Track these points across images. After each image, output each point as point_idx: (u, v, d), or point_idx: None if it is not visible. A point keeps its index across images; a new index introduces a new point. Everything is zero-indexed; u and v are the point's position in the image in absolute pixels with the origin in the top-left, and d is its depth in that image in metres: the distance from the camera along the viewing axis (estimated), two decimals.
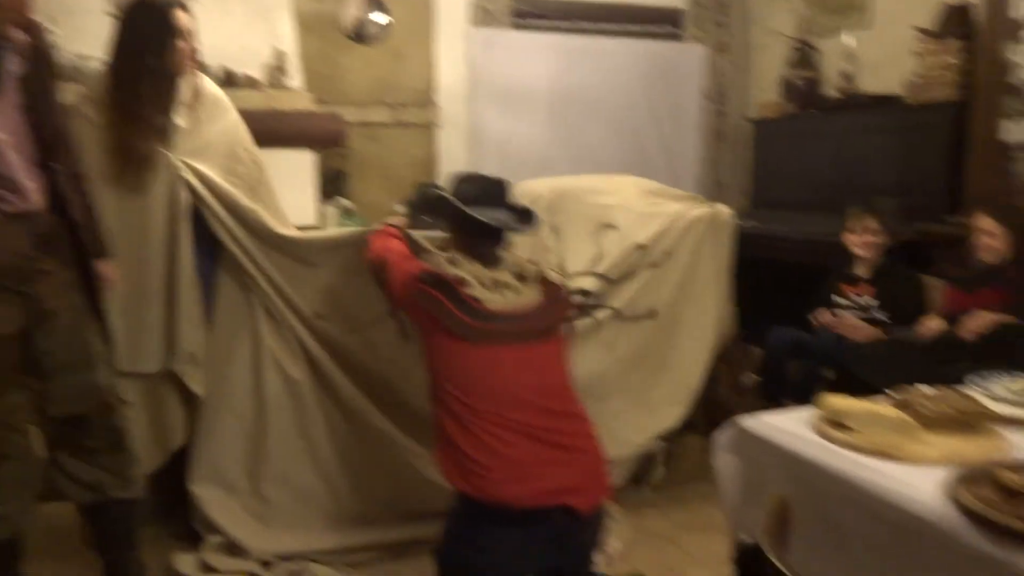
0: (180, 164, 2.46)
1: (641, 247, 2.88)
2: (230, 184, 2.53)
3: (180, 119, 2.49)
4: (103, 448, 2.15)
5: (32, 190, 1.97)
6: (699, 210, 3.05)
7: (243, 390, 2.58)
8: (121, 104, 2.38)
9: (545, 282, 2.07)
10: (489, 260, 2.03)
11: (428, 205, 2.17)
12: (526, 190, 3.05)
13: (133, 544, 2.29)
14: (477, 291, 1.95)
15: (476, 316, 1.92)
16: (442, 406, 1.96)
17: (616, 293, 2.86)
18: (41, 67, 2.02)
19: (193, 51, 2.48)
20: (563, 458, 1.91)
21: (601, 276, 2.83)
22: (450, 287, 1.95)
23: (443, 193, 2.07)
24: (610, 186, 3.15)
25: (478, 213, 2.01)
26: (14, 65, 1.94)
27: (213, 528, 2.52)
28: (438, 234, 2.25)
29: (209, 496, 2.54)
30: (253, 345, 2.58)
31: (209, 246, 2.55)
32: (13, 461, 2.00)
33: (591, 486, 1.94)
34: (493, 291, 1.97)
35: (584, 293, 2.81)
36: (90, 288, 2.13)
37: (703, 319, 3.01)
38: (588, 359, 2.78)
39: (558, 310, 2.07)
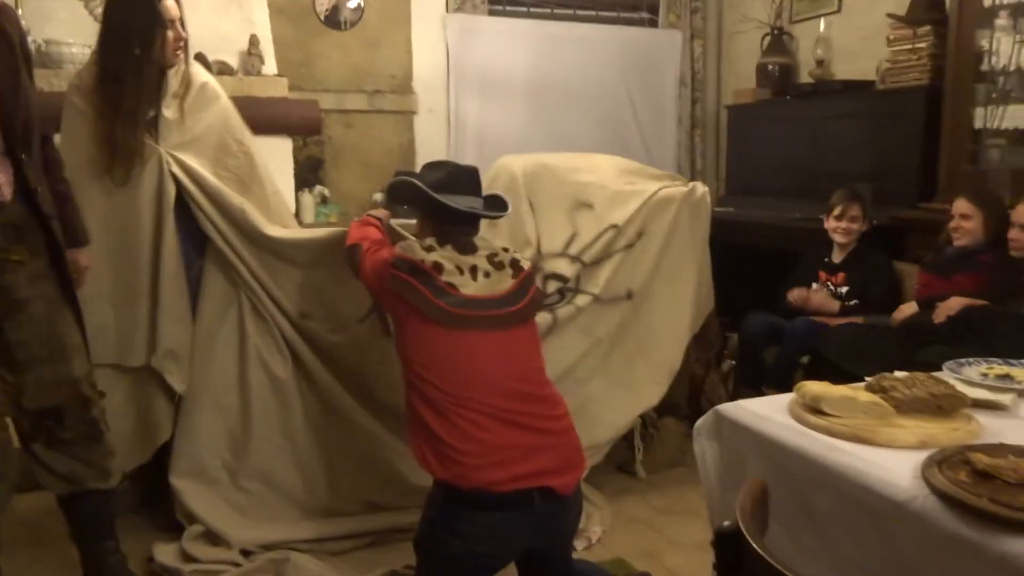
0: (168, 158, 2.43)
1: (614, 227, 2.88)
2: (219, 178, 2.50)
3: (169, 111, 2.45)
4: (78, 439, 2.13)
5: (1, 181, 1.93)
6: (673, 188, 3.03)
7: (226, 385, 2.57)
8: (108, 96, 2.34)
9: (517, 267, 2.08)
10: (463, 247, 2.04)
11: (400, 194, 2.17)
12: (504, 164, 3.05)
13: (111, 534, 2.27)
14: (453, 277, 1.97)
15: (451, 301, 1.94)
16: (417, 394, 1.97)
17: (592, 277, 2.85)
18: (9, 52, 1.97)
19: (181, 40, 2.42)
20: (540, 441, 1.93)
21: (575, 259, 2.84)
22: (424, 273, 1.95)
23: (414, 181, 2.07)
24: (588, 163, 3.15)
25: (448, 200, 2.02)
26: None
27: (194, 519, 2.52)
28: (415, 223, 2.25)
29: (190, 489, 2.53)
30: (239, 341, 2.56)
31: (198, 240, 2.53)
32: None
33: (568, 466, 1.96)
34: (468, 277, 1.99)
35: (559, 277, 2.82)
36: (63, 278, 2.10)
37: (680, 297, 3.01)
38: (567, 343, 2.79)
39: (530, 296, 2.09)
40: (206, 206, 2.47)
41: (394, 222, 2.56)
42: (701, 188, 3.08)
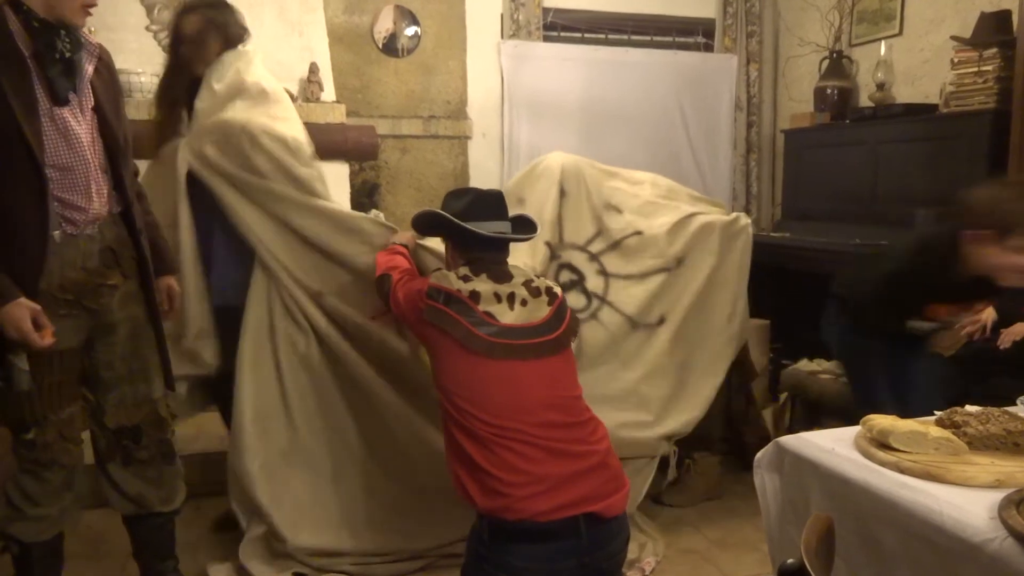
0: (185, 143, 2.51)
1: (638, 233, 2.87)
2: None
3: (201, 102, 2.54)
4: (153, 459, 2.19)
5: (101, 195, 2.00)
6: (714, 216, 3.00)
7: (266, 370, 2.58)
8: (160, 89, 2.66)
9: (552, 294, 2.06)
10: (499, 275, 2.02)
11: (427, 225, 2.17)
12: (548, 156, 3.05)
13: (171, 553, 2.33)
14: (491, 305, 1.95)
15: (491, 331, 1.92)
16: (457, 425, 1.94)
17: (625, 295, 2.83)
18: (112, 79, 2.08)
19: (194, 53, 2.56)
20: (581, 466, 1.90)
21: (594, 257, 2.83)
22: (462, 302, 1.94)
23: (438, 211, 2.06)
24: (628, 174, 3.14)
25: (476, 227, 2.01)
26: (90, 65, 1.98)
27: (255, 511, 2.52)
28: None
29: (257, 478, 2.51)
30: (269, 324, 2.58)
31: (208, 219, 2.58)
32: (61, 469, 2.05)
33: (610, 490, 1.93)
34: (506, 305, 1.97)
35: (573, 270, 2.82)
36: (150, 299, 2.16)
37: (719, 330, 2.97)
38: (600, 368, 2.76)
39: (567, 322, 2.06)
40: (219, 186, 2.51)
41: (425, 243, 2.57)
42: (744, 219, 3.06)
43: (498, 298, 1.96)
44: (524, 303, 1.99)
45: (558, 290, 2.10)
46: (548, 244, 2.81)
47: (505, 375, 1.92)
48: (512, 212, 2.17)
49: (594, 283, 2.84)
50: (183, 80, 2.59)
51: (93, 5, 1.93)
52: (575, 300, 2.78)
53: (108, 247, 2.04)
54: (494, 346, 1.91)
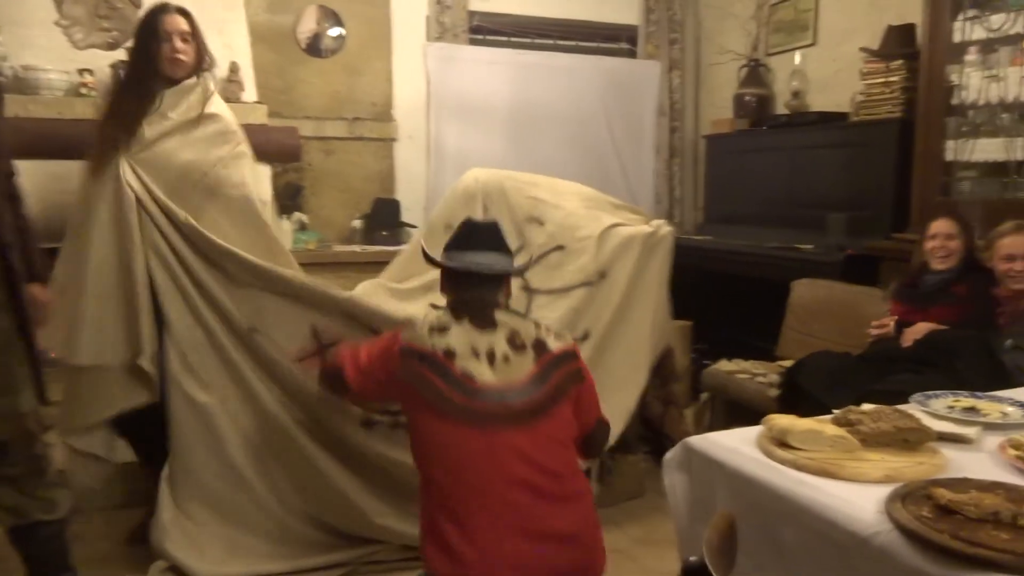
0: (126, 165, 2.44)
1: (560, 247, 2.88)
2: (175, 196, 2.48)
3: (149, 127, 2.47)
4: (23, 475, 2.09)
5: None
6: (635, 227, 3.03)
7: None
8: (112, 98, 2.61)
9: (541, 349, 1.85)
10: (482, 320, 1.84)
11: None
12: (469, 174, 3.06)
13: (66, 565, 2.23)
14: (467, 362, 1.77)
15: (467, 393, 1.75)
16: (427, 494, 1.80)
17: (547, 312, 2.81)
18: None
19: (176, 52, 2.50)
20: (559, 550, 1.77)
21: (518, 271, 2.85)
22: (436, 363, 1.77)
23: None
24: (549, 184, 3.16)
25: (449, 257, 1.88)
26: None
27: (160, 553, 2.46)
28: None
29: (165, 523, 2.46)
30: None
31: None
32: None
33: (584, 570, 1.82)
34: (484, 362, 1.79)
35: None
36: (18, 311, 2.06)
37: (639, 339, 2.98)
38: None
39: (553, 382, 1.84)
40: (154, 211, 2.45)
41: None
42: (664, 228, 3.08)
43: (476, 354, 1.79)
44: (506, 359, 1.80)
45: (552, 342, 1.88)
46: None
47: (479, 446, 1.74)
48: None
49: (518, 300, 2.83)
50: (143, 90, 2.50)
51: None
52: None
53: None
54: (469, 412, 1.74)
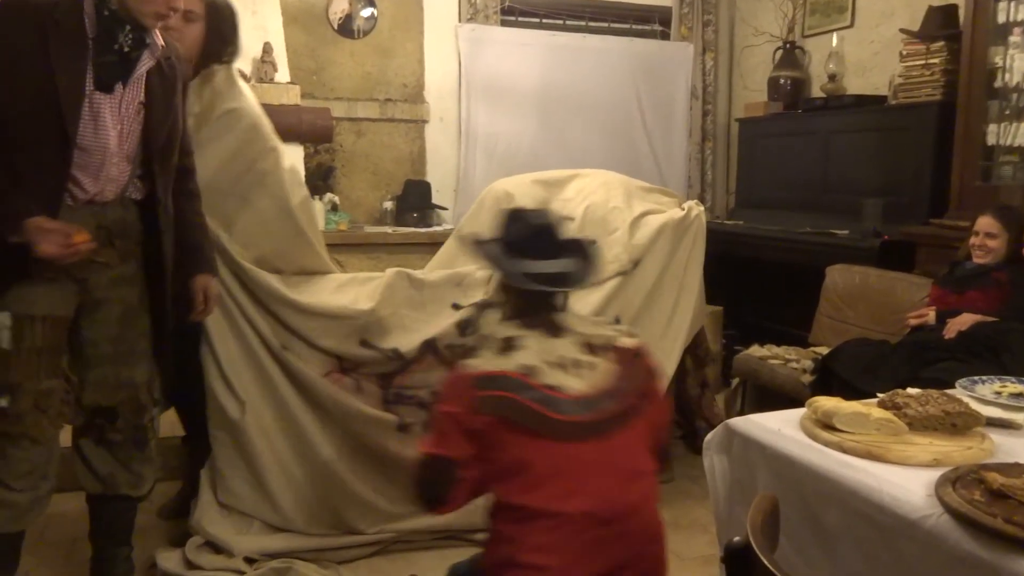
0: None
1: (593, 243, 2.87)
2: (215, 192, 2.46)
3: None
4: (125, 442, 2.17)
5: (113, 181, 2.00)
6: (667, 214, 2.99)
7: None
8: None
9: (617, 350, 1.66)
10: (551, 327, 1.64)
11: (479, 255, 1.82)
12: (497, 187, 3.04)
13: (127, 541, 2.31)
14: (549, 376, 1.56)
15: (558, 408, 1.53)
16: (512, 541, 1.54)
17: (580, 303, 2.72)
18: (170, 74, 2.06)
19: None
20: (615, 565, 1.56)
21: None
22: (514, 381, 1.55)
23: (481, 243, 1.72)
24: (574, 182, 3.11)
25: (524, 266, 1.63)
26: (145, 65, 1.98)
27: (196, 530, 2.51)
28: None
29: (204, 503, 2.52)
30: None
31: None
32: (40, 447, 2.02)
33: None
34: (567, 372, 1.58)
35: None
36: (154, 288, 2.14)
37: (673, 325, 2.96)
38: None
39: (639, 382, 1.66)
40: None
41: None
42: (696, 209, 3.04)
43: (558, 364, 1.59)
44: (586, 366, 1.61)
45: (627, 341, 1.70)
46: None
47: (592, 457, 1.55)
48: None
49: None
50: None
51: (166, 17, 1.94)
52: None
53: (105, 227, 2.02)
54: (564, 424, 1.54)
